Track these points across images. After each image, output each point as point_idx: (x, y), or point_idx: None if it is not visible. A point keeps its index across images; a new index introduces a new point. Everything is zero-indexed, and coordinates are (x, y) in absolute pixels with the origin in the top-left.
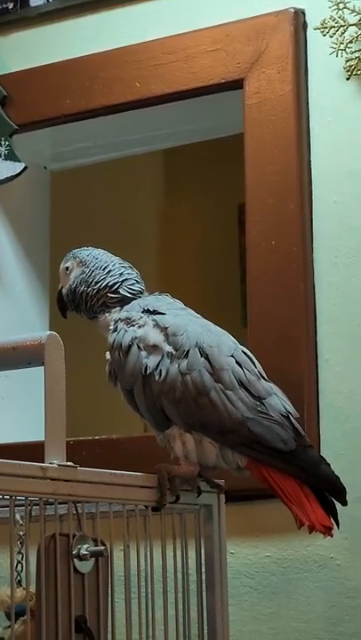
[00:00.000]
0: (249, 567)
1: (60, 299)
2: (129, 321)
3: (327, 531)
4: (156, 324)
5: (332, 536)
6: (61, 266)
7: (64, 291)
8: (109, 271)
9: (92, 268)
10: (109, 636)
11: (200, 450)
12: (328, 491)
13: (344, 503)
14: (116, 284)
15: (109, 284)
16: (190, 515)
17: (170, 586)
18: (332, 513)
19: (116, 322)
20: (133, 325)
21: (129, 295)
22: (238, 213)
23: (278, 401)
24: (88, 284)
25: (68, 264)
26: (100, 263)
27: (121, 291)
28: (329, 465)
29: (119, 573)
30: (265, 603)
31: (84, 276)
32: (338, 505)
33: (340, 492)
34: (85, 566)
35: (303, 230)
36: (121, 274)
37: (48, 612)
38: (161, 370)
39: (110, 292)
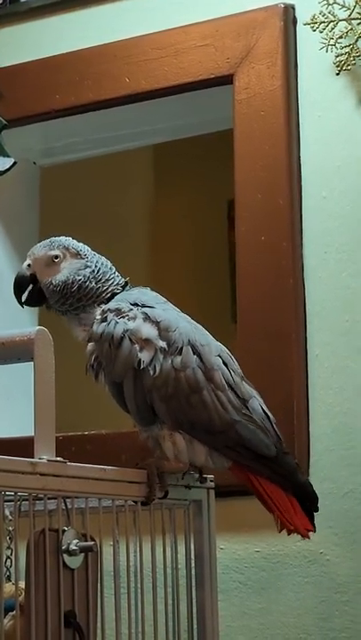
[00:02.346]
0: (239, 562)
1: (23, 284)
2: (119, 312)
3: (307, 533)
4: (147, 318)
5: (309, 538)
6: (42, 253)
7: (52, 280)
8: (114, 270)
9: (98, 265)
10: (99, 631)
11: (191, 450)
12: (303, 498)
13: (316, 510)
14: (124, 282)
15: (120, 282)
16: (180, 510)
17: (159, 581)
18: (309, 515)
19: (104, 312)
20: (124, 317)
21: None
22: (228, 210)
23: (258, 404)
24: (98, 281)
25: (55, 252)
26: (101, 259)
27: (130, 287)
28: (303, 473)
29: (108, 569)
30: (255, 598)
31: (91, 270)
32: (326, 500)
33: (312, 500)
34: (75, 561)
35: (293, 226)
36: (119, 275)
37: (37, 608)
38: (155, 365)
39: (121, 287)
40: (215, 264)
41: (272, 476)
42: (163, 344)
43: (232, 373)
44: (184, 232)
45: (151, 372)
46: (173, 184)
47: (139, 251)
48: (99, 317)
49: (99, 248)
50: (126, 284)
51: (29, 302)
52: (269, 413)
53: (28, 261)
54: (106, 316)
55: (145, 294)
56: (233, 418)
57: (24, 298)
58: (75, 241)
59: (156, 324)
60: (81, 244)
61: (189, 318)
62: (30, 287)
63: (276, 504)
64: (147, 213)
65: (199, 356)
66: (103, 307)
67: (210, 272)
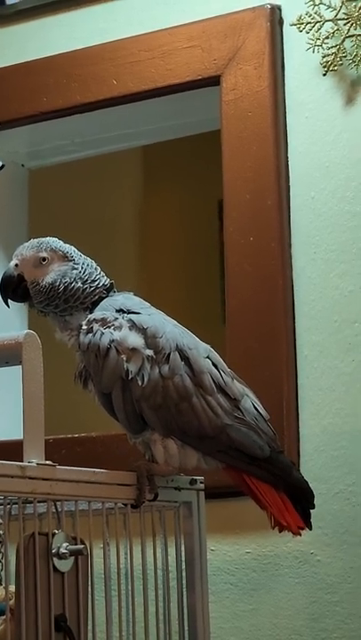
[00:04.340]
0: (229, 564)
1: (10, 283)
2: (105, 322)
3: (299, 531)
4: (133, 325)
5: (301, 535)
6: (30, 254)
7: (39, 282)
8: (100, 271)
9: (84, 266)
10: (90, 634)
11: (182, 455)
12: (298, 495)
13: (312, 507)
14: (110, 284)
15: (105, 283)
16: (170, 512)
17: (150, 583)
18: (303, 513)
19: (90, 322)
20: (109, 327)
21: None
22: (218, 210)
23: (251, 403)
24: (84, 281)
25: (43, 254)
26: (87, 260)
27: (114, 290)
28: (299, 470)
29: (99, 571)
30: (246, 599)
31: (78, 272)
32: (316, 501)
33: (308, 497)
34: (65, 565)
35: (281, 226)
36: (104, 275)
37: (28, 611)
38: (143, 375)
39: (105, 291)
40: (206, 265)
41: (266, 476)
42: (150, 352)
43: (222, 374)
44: (174, 233)
45: (139, 382)
46: (163, 185)
47: (129, 252)
48: (85, 327)
49: (88, 250)
50: (112, 285)
51: (14, 299)
52: (262, 411)
53: (15, 261)
54: (92, 327)
55: (129, 299)
56: (224, 422)
57: (9, 298)
58: (61, 242)
59: (143, 331)
60: (67, 246)
61: (175, 322)
62: (16, 287)
63: (269, 501)
64: (136, 215)
65: (187, 360)
66: (89, 315)
67: (200, 273)
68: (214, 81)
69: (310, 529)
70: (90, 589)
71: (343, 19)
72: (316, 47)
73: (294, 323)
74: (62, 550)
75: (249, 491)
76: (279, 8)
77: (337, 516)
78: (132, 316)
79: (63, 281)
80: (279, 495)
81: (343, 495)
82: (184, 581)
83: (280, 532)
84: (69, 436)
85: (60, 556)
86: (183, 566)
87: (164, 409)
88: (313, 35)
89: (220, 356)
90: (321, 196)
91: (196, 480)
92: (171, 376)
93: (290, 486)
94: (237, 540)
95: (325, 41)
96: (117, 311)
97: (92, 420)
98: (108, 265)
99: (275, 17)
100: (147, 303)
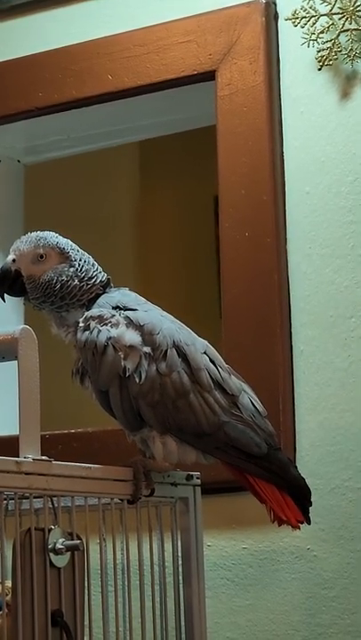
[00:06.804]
0: (226, 559)
1: (7, 278)
2: (102, 319)
3: (298, 524)
4: (130, 322)
5: (300, 528)
6: (28, 250)
7: (36, 279)
8: (97, 267)
9: (81, 263)
10: (86, 629)
11: (181, 452)
12: (295, 493)
13: (310, 504)
14: (107, 280)
15: (102, 279)
16: (166, 507)
17: (147, 579)
18: (302, 509)
19: (87, 319)
20: (106, 324)
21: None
22: (214, 206)
23: (248, 399)
24: (81, 279)
25: (41, 251)
26: (84, 257)
27: (111, 288)
28: (296, 467)
29: (95, 567)
30: (242, 595)
31: (75, 270)
32: (312, 496)
33: (306, 494)
34: (61, 560)
35: (277, 221)
36: (101, 271)
37: (24, 607)
38: (140, 372)
39: (102, 287)
40: (202, 260)
41: (263, 474)
42: (147, 349)
43: (219, 370)
44: (170, 228)
45: (137, 380)
46: (159, 180)
47: (125, 248)
48: (82, 325)
49: (85, 246)
50: (109, 281)
51: (10, 294)
52: (260, 407)
53: (12, 256)
54: (89, 324)
55: (126, 296)
56: (221, 419)
57: (5, 292)
58: (60, 238)
59: (140, 328)
60: (65, 241)
61: (172, 317)
62: (13, 282)
63: (269, 496)
64: (133, 210)
65: (185, 356)
66: (86, 313)
67: (197, 268)
68: (209, 76)
69: (309, 523)
70: (86, 585)
71: (338, 13)
72: (312, 42)
73: (290, 318)
74: (59, 546)
75: (248, 485)
76: (274, 3)
77: (333, 512)
78: (129, 313)
79: (60, 279)
80: (279, 490)
81: (339, 490)
82: (181, 577)
83: (279, 525)
84: (66, 431)
85: (57, 552)
86: (180, 562)
87: (161, 406)
88: (308, 29)
89: (216, 351)
90: (316, 191)
91: (192, 476)
92: (168, 373)
93: (287, 484)
94: (234, 536)
95: (320, 35)
96: (114, 308)
97: (88, 415)
98: (105, 260)
99: (270, 11)
100: (143, 299)
